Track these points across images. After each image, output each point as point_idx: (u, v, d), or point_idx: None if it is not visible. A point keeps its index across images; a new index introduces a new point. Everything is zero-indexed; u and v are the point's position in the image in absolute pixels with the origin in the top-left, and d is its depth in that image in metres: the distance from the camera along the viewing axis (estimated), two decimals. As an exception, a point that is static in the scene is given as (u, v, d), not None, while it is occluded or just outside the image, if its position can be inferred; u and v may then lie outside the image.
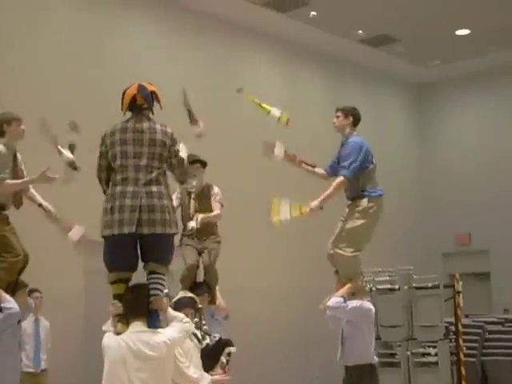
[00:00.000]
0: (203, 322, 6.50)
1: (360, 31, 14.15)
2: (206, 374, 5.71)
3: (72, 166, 6.27)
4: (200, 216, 7.54)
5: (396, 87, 17.25)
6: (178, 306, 5.59)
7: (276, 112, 7.08)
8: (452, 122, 17.23)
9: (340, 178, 6.92)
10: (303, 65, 14.58)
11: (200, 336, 5.94)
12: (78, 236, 6.58)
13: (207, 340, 6.15)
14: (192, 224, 7.40)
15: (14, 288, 6.40)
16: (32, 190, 6.77)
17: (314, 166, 7.36)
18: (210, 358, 6.07)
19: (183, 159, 5.61)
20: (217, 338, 6.34)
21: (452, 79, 16.91)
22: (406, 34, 14.37)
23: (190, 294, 6.37)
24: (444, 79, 17.02)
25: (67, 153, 6.29)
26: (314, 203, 6.85)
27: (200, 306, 6.82)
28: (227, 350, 6.28)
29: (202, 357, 5.80)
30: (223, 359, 6.25)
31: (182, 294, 6.22)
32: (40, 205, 6.76)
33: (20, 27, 10.08)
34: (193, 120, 6.27)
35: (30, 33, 10.21)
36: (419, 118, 17.66)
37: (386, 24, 13.86)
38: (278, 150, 7.05)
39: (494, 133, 16.51)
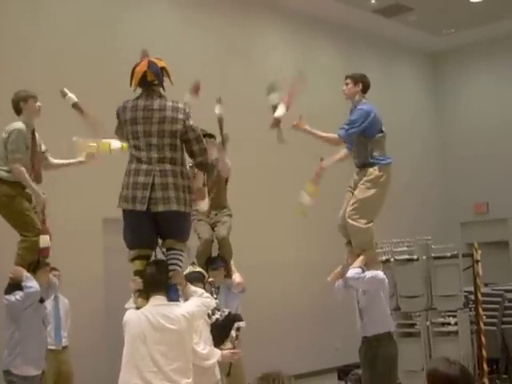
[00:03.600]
0: (214, 295, 6.53)
1: (373, 1, 14.03)
2: (215, 350, 5.74)
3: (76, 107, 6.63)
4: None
5: (410, 57, 17.12)
6: (187, 280, 5.61)
7: (116, 143, 6.57)
8: (467, 91, 17.11)
9: (334, 135, 7.01)
10: (316, 36, 14.49)
11: (210, 311, 5.98)
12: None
13: (217, 315, 6.18)
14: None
15: (35, 267, 6.47)
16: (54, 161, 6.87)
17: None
18: (220, 332, 6.09)
19: (200, 134, 5.59)
20: (226, 313, 6.37)
21: (466, 47, 16.77)
22: (419, 3, 14.22)
23: (198, 269, 6.39)
24: (458, 47, 16.87)
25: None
26: (301, 125, 7.00)
27: (211, 279, 6.84)
28: (236, 324, 6.30)
29: (211, 332, 5.84)
30: (233, 333, 6.28)
31: (190, 268, 6.23)
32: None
33: (34, 2, 10.05)
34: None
35: (44, 8, 10.17)
36: (434, 86, 17.54)
37: (398, -7, 13.76)
38: (275, 99, 6.91)
39: (510, 100, 16.37)
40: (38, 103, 6.64)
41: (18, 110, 6.60)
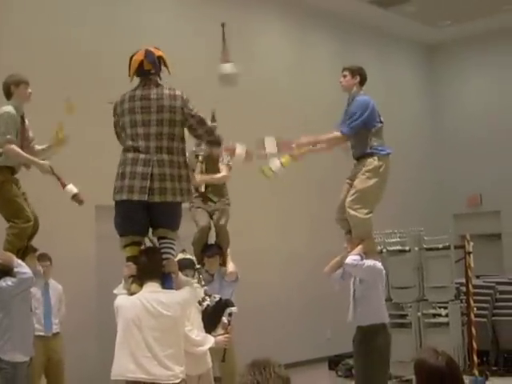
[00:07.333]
0: (202, 282, 6.55)
1: (370, -9, 14.02)
2: (209, 336, 5.78)
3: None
4: (204, 178, 7.58)
5: (407, 48, 17.12)
6: (178, 267, 5.63)
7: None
8: (463, 83, 17.13)
9: (336, 133, 6.92)
10: (313, 27, 14.44)
11: (200, 298, 6.00)
12: (73, 192, 6.47)
13: (207, 301, 6.20)
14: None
15: (23, 253, 6.45)
16: (38, 148, 6.79)
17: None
18: (211, 318, 6.14)
19: (202, 117, 5.58)
20: (217, 299, 6.39)
21: (463, 39, 16.77)
22: (417, -6, 14.23)
23: (188, 256, 6.42)
24: (455, 39, 16.89)
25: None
26: (301, 140, 6.86)
27: (198, 266, 6.87)
28: (228, 310, 6.32)
29: (202, 318, 5.86)
30: (224, 319, 6.30)
31: (181, 255, 6.26)
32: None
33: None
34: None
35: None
36: (430, 79, 17.54)
37: (395, -16, 13.74)
38: (270, 146, 6.83)
39: (506, 94, 16.39)
40: (29, 89, 6.58)
41: (8, 94, 6.53)
